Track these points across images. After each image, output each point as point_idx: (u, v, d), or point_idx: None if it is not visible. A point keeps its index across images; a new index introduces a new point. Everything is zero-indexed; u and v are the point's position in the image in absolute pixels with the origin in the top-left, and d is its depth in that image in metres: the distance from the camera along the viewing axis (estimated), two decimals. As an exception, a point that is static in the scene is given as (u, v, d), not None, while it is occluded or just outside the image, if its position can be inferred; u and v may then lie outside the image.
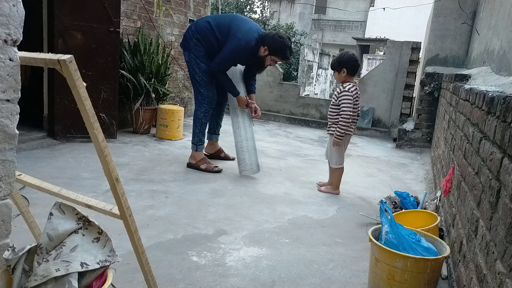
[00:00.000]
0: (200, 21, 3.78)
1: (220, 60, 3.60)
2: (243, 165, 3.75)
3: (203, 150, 3.97)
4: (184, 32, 3.90)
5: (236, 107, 3.83)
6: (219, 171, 3.81)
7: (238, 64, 3.88)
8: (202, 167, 3.80)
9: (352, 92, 3.32)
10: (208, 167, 3.81)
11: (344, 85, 3.37)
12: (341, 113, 3.33)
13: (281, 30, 13.60)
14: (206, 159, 3.91)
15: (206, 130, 3.97)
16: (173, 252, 2.21)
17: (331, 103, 3.47)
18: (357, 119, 3.50)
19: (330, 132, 3.49)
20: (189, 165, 3.86)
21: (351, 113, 3.32)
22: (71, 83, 1.04)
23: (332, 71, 3.54)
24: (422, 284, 1.82)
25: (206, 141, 4.03)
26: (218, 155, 4.29)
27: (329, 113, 3.49)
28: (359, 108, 3.51)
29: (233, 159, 4.20)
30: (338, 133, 3.35)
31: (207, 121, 3.88)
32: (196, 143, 3.85)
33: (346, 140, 3.49)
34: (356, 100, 3.38)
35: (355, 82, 3.46)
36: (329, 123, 3.51)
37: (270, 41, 3.57)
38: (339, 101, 3.34)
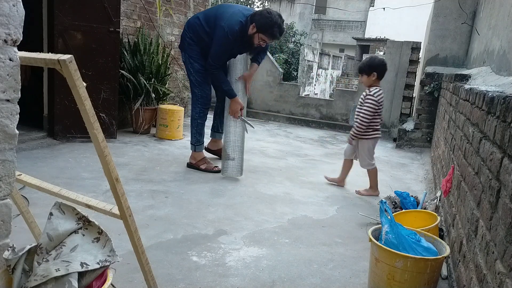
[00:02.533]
0: (191, 19, 3.77)
1: (212, 55, 3.49)
2: (226, 165, 3.66)
3: (203, 150, 3.96)
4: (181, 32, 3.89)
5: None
6: (219, 171, 3.80)
7: (238, 56, 3.71)
8: (202, 167, 3.80)
9: (377, 97, 3.38)
10: (208, 167, 3.81)
11: (371, 90, 3.42)
12: (361, 114, 3.40)
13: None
14: (206, 159, 3.91)
15: (210, 128, 3.92)
16: (173, 252, 2.21)
17: (357, 106, 3.50)
18: (380, 124, 3.55)
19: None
20: (189, 165, 3.86)
21: (370, 117, 3.39)
22: (71, 83, 1.04)
23: (360, 74, 3.52)
24: (422, 284, 1.82)
25: (205, 140, 4.01)
26: (220, 153, 4.27)
27: (355, 117, 3.50)
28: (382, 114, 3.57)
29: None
30: (354, 132, 3.44)
31: (203, 121, 3.86)
32: (194, 143, 3.84)
33: (374, 142, 3.55)
34: (381, 105, 3.43)
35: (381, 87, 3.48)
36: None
37: (257, 17, 3.43)
38: (364, 103, 3.41)
